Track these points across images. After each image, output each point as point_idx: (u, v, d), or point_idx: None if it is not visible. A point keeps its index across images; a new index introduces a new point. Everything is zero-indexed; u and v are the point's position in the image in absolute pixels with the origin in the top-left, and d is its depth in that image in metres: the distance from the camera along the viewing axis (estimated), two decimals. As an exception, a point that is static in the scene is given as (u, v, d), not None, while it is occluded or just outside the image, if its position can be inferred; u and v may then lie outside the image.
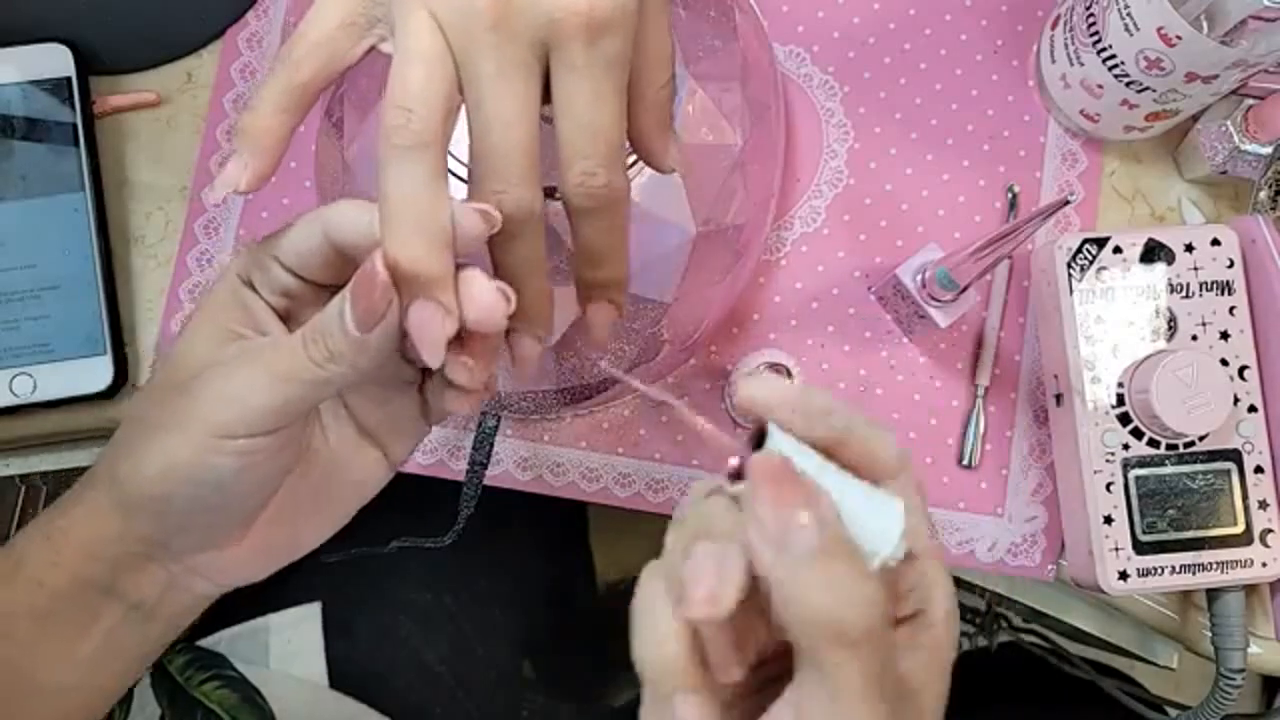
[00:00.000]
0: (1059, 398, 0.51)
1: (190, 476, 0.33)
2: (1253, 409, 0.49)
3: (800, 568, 0.26)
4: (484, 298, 0.31)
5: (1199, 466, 0.49)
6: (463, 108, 0.31)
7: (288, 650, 0.59)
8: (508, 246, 0.32)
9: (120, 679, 0.38)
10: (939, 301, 0.50)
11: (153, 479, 0.33)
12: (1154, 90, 0.48)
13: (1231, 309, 0.50)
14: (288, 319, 0.35)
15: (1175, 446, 0.49)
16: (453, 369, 0.32)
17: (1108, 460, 0.49)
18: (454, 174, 0.39)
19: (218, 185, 0.33)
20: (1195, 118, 0.53)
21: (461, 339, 0.32)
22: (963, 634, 0.97)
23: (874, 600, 0.26)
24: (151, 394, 0.35)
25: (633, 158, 0.36)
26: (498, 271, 0.33)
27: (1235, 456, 0.49)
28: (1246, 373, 0.49)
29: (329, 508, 0.38)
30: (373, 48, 0.33)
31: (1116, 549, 0.48)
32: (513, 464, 0.54)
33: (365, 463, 0.38)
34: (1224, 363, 0.49)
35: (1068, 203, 0.40)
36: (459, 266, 0.31)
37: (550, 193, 0.33)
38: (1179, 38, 0.44)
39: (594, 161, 0.31)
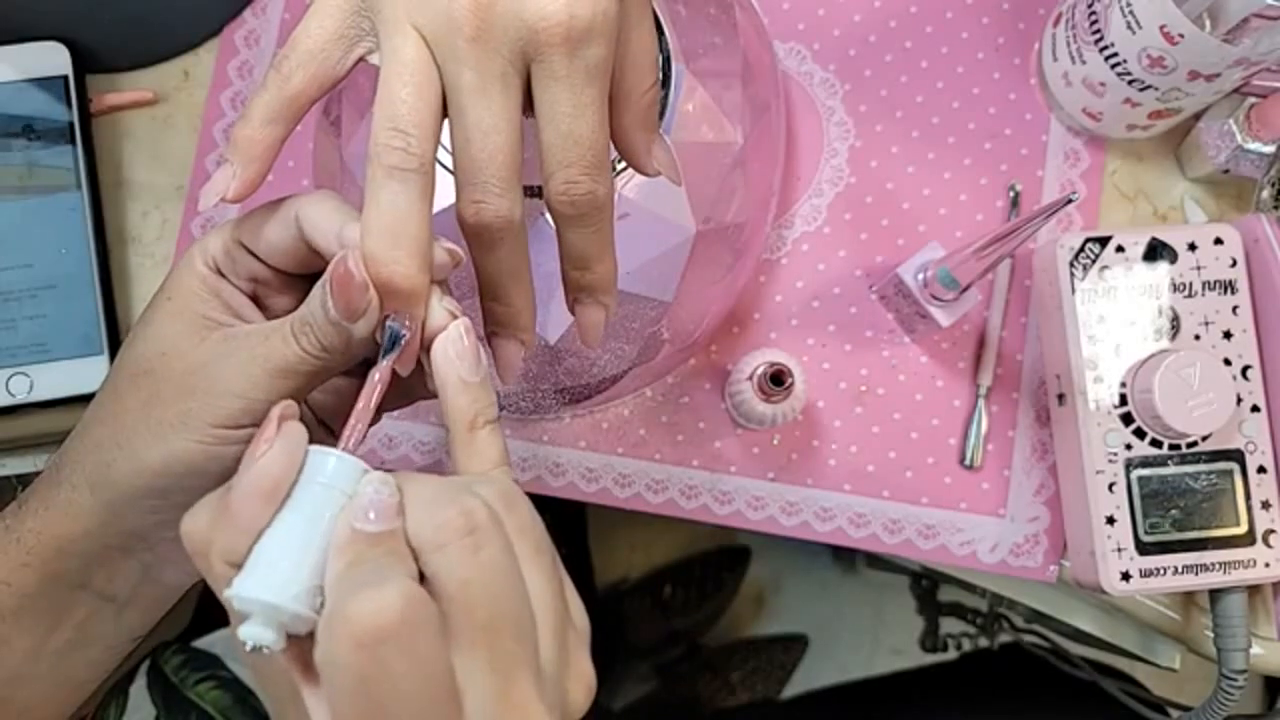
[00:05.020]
0: (1061, 397, 0.51)
1: (194, 469, 0.33)
2: (1255, 409, 0.49)
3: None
4: (440, 318, 0.32)
5: (1202, 467, 0.49)
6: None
7: None
8: (489, 254, 0.33)
9: (94, 668, 0.39)
10: (941, 301, 0.50)
11: (155, 473, 0.33)
12: (1156, 88, 0.48)
13: (1234, 308, 0.49)
14: (258, 304, 0.36)
15: (1178, 446, 0.49)
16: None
17: (1110, 460, 0.48)
18: (444, 166, 0.39)
19: (205, 193, 0.33)
20: (1198, 116, 0.53)
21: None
22: (964, 634, 0.97)
23: None
24: (124, 389, 0.35)
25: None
26: (480, 278, 0.34)
27: (1238, 457, 0.49)
28: (1249, 372, 0.49)
29: None
30: (361, 59, 0.33)
31: (1119, 549, 0.48)
32: (511, 464, 0.53)
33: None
34: (1227, 362, 0.49)
35: (1070, 201, 0.40)
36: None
37: (533, 191, 0.33)
38: (1181, 36, 0.44)
39: (577, 170, 0.32)
